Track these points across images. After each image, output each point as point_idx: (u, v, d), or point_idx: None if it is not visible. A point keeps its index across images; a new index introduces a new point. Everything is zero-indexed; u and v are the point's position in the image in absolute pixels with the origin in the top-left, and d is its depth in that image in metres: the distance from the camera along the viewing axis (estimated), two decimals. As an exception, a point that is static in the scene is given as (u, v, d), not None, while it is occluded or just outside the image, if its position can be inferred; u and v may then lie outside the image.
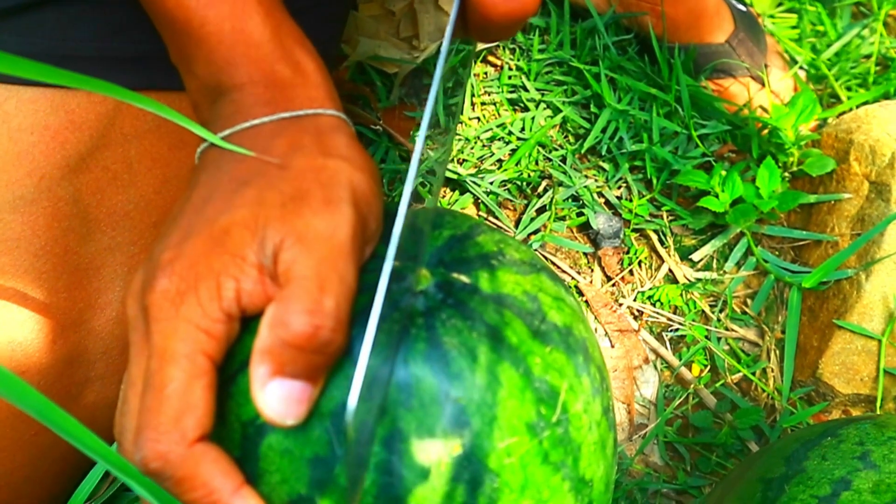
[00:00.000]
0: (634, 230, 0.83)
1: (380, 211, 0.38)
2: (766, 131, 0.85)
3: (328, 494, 0.33)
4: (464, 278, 0.37)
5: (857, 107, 0.87)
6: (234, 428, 0.35)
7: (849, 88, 0.94)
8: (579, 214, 0.82)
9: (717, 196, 0.80)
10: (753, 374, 0.74)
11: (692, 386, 0.74)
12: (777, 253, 0.82)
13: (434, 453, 0.33)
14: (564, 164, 0.85)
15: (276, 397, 0.32)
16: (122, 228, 0.51)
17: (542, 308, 0.38)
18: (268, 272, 0.34)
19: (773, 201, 0.79)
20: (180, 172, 0.53)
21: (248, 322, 0.35)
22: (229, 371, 0.35)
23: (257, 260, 0.34)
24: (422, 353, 0.34)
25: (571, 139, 0.88)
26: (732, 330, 0.78)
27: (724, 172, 0.80)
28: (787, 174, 0.85)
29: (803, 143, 0.84)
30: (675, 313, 0.78)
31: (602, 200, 0.84)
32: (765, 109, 0.87)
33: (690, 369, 0.75)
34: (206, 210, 0.36)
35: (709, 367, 0.76)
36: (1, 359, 0.48)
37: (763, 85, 0.89)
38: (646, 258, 0.81)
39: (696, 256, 0.81)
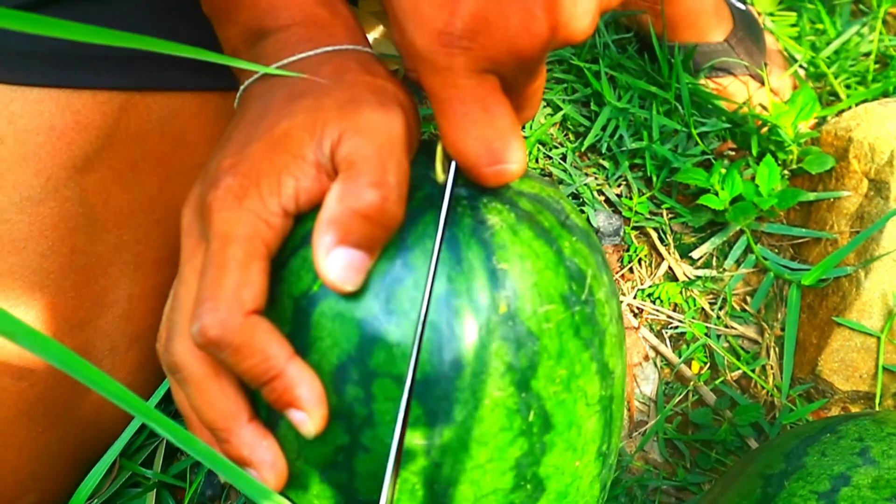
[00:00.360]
0: (634, 228, 0.83)
1: (419, 126, 0.40)
2: (765, 129, 0.85)
3: (377, 352, 0.35)
4: None
5: (857, 105, 0.88)
6: (285, 306, 0.37)
7: (848, 86, 0.94)
8: (580, 212, 0.83)
9: (716, 194, 0.80)
10: (753, 371, 0.75)
11: (692, 383, 0.74)
12: (776, 251, 0.82)
13: (483, 312, 0.36)
14: (565, 161, 0.85)
15: (339, 264, 0.34)
16: (127, 227, 0.52)
17: (565, 209, 0.41)
18: (325, 170, 0.36)
19: (773, 199, 0.79)
20: (182, 170, 0.53)
21: (299, 217, 0.38)
22: (281, 258, 0.37)
23: (315, 158, 0.36)
24: (469, 226, 0.37)
25: (571, 137, 0.88)
26: (732, 327, 0.78)
27: (723, 170, 0.81)
28: (786, 172, 0.85)
29: (803, 141, 0.84)
30: (674, 311, 0.79)
31: (602, 198, 0.84)
32: (764, 107, 0.87)
33: (690, 366, 0.76)
34: (264, 122, 0.38)
35: (708, 364, 0.76)
36: (9, 357, 0.48)
37: (762, 83, 0.89)
38: (646, 256, 0.82)
39: (695, 254, 0.82)
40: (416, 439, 0.36)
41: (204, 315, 0.34)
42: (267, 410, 0.38)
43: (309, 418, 0.35)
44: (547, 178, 0.44)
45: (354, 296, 0.36)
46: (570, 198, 0.83)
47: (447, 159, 0.38)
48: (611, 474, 0.44)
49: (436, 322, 0.35)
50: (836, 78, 0.93)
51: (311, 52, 0.40)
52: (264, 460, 0.37)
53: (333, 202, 0.35)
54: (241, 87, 0.43)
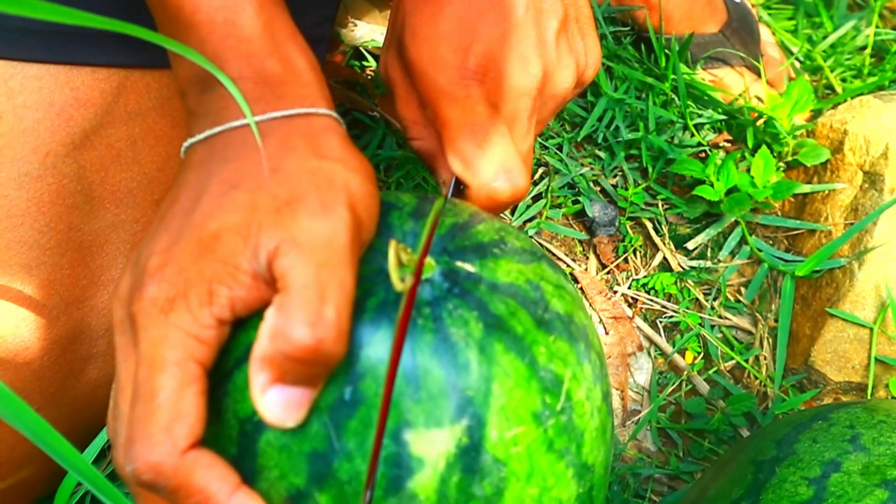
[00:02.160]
0: (630, 218, 0.83)
1: (376, 212, 0.37)
2: (761, 121, 0.85)
3: (327, 488, 0.33)
4: (468, 267, 0.37)
5: (852, 98, 0.88)
6: (231, 425, 0.35)
7: (844, 80, 0.95)
8: (575, 202, 0.83)
9: (711, 185, 0.80)
10: (746, 361, 0.75)
11: (685, 373, 0.74)
12: (771, 242, 0.82)
13: (442, 444, 0.33)
14: (561, 151, 0.85)
15: (276, 403, 0.32)
16: (125, 206, 0.51)
17: (544, 297, 0.38)
18: (262, 279, 0.34)
19: (768, 190, 0.79)
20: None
21: (241, 319, 0.35)
22: (224, 369, 0.35)
23: (251, 268, 0.33)
24: (429, 345, 0.34)
25: (568, 127, 0.88)
26: (726, 318, 0.78)
27: (719, 161, 0.81)
28: (781, 164, 0.85)
29: (798, 133, 0.84)
30: (669, 301, 0.79)
31: (598, 189, 0.85)
32: (760, 99, 0.87)
33: (684, 356, 0.76)
34: (195, 214, 0.35)
35: (702, 354, 0.76)
36: (4, 335, 0.48)
37: (758, 75, 0.89)
38: (640, 246, 0.82)
39: (690, 245, 0.82)
40: None
41: (136, 458, 0.32)
42: None
43: None
44: (530, 245, 0.41)
45: (301, 427, 0.33)
46: (566, 187, 0.83)
47: (401, 262, 0.35)
48: None
49: (389, 454, 0.33)
50: (832, 71, 0.94)
51: (255, 119, 0.37)
52: None
53: (266, 339, 0.32)
54: (185, 145, 0.40)
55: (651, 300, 0.79)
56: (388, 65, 0.49)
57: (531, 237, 0.81)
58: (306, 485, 0.33)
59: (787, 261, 0.80)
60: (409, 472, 0.33)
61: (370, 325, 0.34)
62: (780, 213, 0.85)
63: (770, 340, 0.77)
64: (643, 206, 0.83)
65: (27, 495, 0.55)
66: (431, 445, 0.33)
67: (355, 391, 0.33)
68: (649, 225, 0.83)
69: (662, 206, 0.84)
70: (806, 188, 0.82)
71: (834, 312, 0.73)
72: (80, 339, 0.52)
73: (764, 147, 0.81)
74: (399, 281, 0.33)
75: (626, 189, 0.84)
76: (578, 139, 0.86)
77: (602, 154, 0.86)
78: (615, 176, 0.86)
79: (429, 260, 0.37)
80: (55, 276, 0.49)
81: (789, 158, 0.85)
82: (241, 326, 0.35)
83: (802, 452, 0.50)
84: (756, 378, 0.75)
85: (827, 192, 0.81)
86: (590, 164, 0.86)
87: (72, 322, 0.51)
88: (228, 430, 0.35)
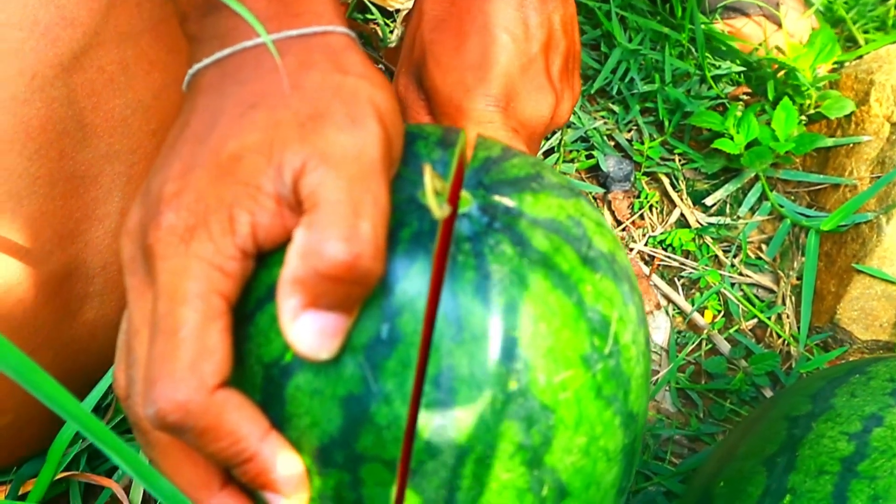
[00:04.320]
0: (645, 174, 0.80)
1: (402, 132, 0.35)
2: (782, 73, 0.81)
3: (364, 435, 0.30)
4: (507, 201, 0.34)
5: (877, 49, 0.84)
6: (254, 371, 0.32)
7: (866, 32, 0.91)
8: (589, 157, 0.80)
9: (731, 138, 0.77)
10: (769, 319, 0.72)
11: (705, 332, 0.71)
12: (792, 198, 0.79)
13: (487, 389, 0.31)
14: (573, 105, 0.82)
15: (309, 330, 0.29)
16: (119, 135, 0.48)
17: (587, 234, 0.35)
18: (286, 202, 0.31)
19: (790, 144, 0.76)
20: (178, 77, 0.49)
21: (262, 257, 0.32)
22: (245, 310, 0.32)
23: (274, 189, 0.30)
24: (471, 283, 0.31)
25: (581, 80, 0.84)
26: (747, 276, 0.75)
27: (738, 114, 0.77)
28: (803, 117, 0.82)
29: (821, 85, 0.81)
30: (687, 258, 0.76)
31: (612, 143, 0.81)
32: (780, 50, 0.84)
33: (703, 315, 0.73)
34: (211, 138, 0.32)
35: (722, 312, 0.73)
36: None
37: (779, 25, 0.85)
38: (657, 202, 0.79)
39: (708, 201, 0.79)
40: None
41: (159, 398, 0.29)
42: None
43: (287, 502, 0.31)
44: (566, 180, 0.38)
45: (334, 369, 0.30)
46: (579, 141, 0.80)
47: (438, 187, 0.32)
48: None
49: (432, 402, 0.30)
50: (854, 24, 0.90)
51: (271, 37, 0.34)
52: None
53: (296, 259, 0.29)
54: (189, 72, 0.37)
55: (668, 257, 0.76)
56: (404, 87, 0.51)
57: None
58: (340, 432, 0.30)
59: (809, 216, 0.77)
60: (452, 420, 0.30)
61: (405, 257, 0.31)
62: (801, 168, 0.81)
63: (793, 298, 0.74)
64: (659, 161, 0.80)
65: (15, 452, 0.52)
66: (476, 391, 0.31)
67: (392, 329, 0.30)
68: (666, 180, 0.80)
69: (679, 160, 0.81)
70: (829, 142, 0.78)
71: (861, 268, 0.69)
72: (75, 276, 0.49)
73: (786, 98, 0.78)
74: (438, 207, 0.30)
75: (642, 143, 0.80)
76: (592, 92, 0.83)
77: (616, 107, 0.83)
78: (630, 130, 0.82)
79: (464, 194, 0.34)
80: (47, 208, 0.46)
81: (811, 111, 0.81)
82: (262, 265, 0.32)
83: (840, 407, 0.47)
84: (779, 336, 0.72)
85: (851, 145, 0.78)
86: (603, 117, 0.82)
87: (66, 258, 0.48)
88: (251, 376, 0.32)
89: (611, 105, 0.83)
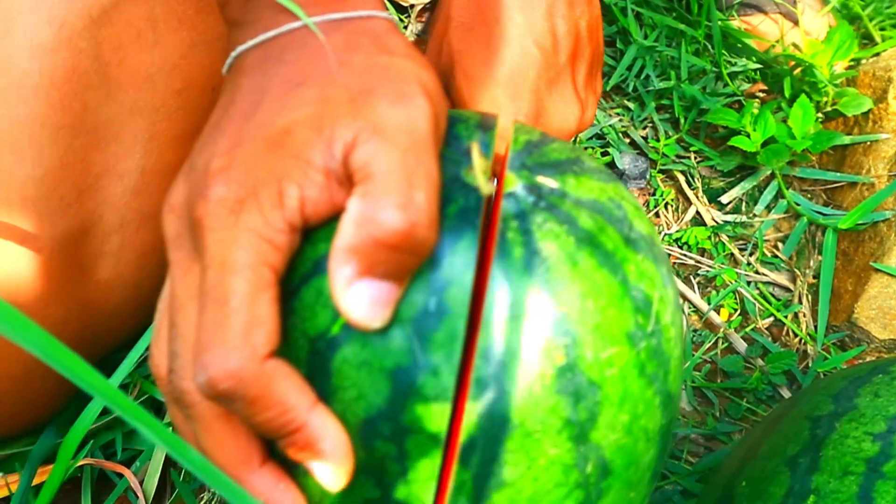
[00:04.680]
0: (661, 171, 0.79)
1: (447, 110, 0.35)
2: (798, 70, 0.81)
3: (412, 408, 0.30)
4: (550, 182, 0.34)
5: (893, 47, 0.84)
6: (299, 345, 0.32)
7: (883, 29, 0.90)
8: (604, 154, 0.79)
9: (748, 136, 0.77)
10: (785, 318, 0.72)
11: (721, 330, 0.71)
12: (809, 196, 0.79)
13: (537, 364, 0.31)
14: (588, 102, 0.81)
15: (362, 299, 0.29)
16: (144, 91, 0.48)
17: (628, 216, 0.35)
18: (335, 177, 0.31)
19: (807, 141, 0.76)
20: (207, 38, 0.49)
21: (307, 233, 0.32)
22: (290, 286, 0.32)
23: (324, 163, 0.31)
24: (520, 260, 0.32)
25: (595, 77, 0.84)
26: (763, 274, 0.75)
27: (755, 111, 0.77)
28: (819, 115, 0.81)
29: (838, 82, 0.80)
30: (702, 256, 0.76)
31: (627, 140, 0.81)
32: (797, 47, 0.83)
33: (719, 313, 0.73)
34: (258, 114, 0.32)
35: (738, 311, 0.73)
36: (16, 220, 0.45)
37: (795, 23, 0.85)
38: (672, 200, 0.78)
39: (724, 199, 0.78)
40: (459, 502, 0.32)
41: (211, 364, 0.29)
42: None
43: (332, 474, 0.31)
44: (603, 166, 0.39)
45: (382, 341, 0.31)
46: (595, 138, 0.80)
47: (484, 163, 0.32)
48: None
49: (481, 376, 0.31)
50: (870, 21, 0.89)
51: (317, 19, 0.34)
52: None
53: (351, 227, 0.29)
54: (232, 55, 0.37)
55: (684, 255, 0.75)
56: None
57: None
58: (387, 404, 0.31)
59: (826, 215, 0.76)
60: (502, 394, 0.31)
61: (452, 232, 0.31)
62: (817, 166, 0.81)
63: (809, 297, 0.73)
64: (675, 159, 0.80)
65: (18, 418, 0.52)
66: (526, 366, 0.31)
67: (441, 301, 0.30)
68: (681, 178, 0.79)
69: (695, 158, 0.80)
70: (846, 139, 0.78)
71: (879, 267, 0.69)
72: (91, 232, 0.48)
73: (803, 95, 0.77)
74: (485, 183, 0.30)
75: (657, 140, 0.80)
76: (607, 89, 0.82)
77: (631, 105, 0.82)
78: (645, 127, 0.82)
79: (509, 174, 0.34)
80: (68, 159, 0.46)
81: (828, 109, 0.81)
82: (307, 241, 0.32)
83: (864, 407, 0.47)
84: (796, 335, 0.71)
85: (869, 143, 0.77)
86: (619, 114, 0.82)
87: (83, 213, 0.47)
88: (296, 350, 0.32)
89: (626, 102, 0.83)
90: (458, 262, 0.31)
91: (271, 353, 0.30)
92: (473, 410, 0.31)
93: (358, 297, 0.29)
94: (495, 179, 0.36)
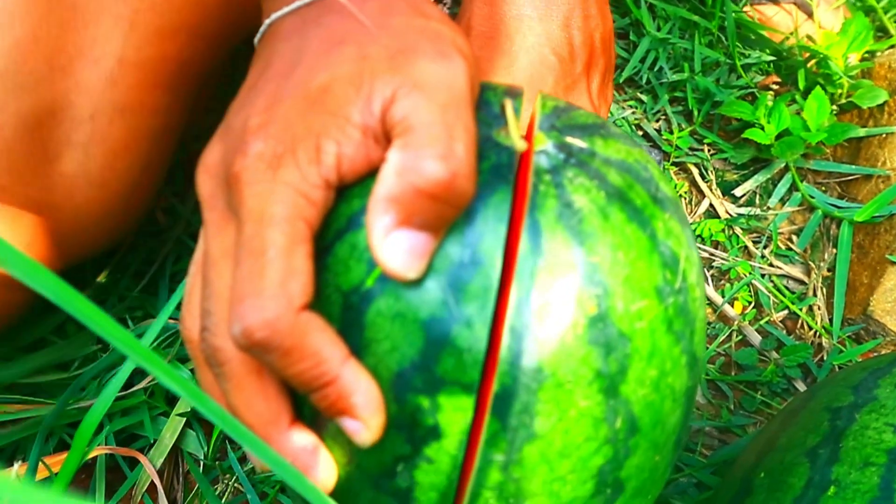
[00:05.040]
0: (674, 164, 0.79)
1: (479, 74, 0.36)
2: (813, 62, 0.80)
3: (445, 358, 0.30)
4: (579, 142, 0.35)
5: (909, 38, 0.83)
6: (332, 300, 0.32)
7: (897, 21, 0.90)
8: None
9: (762, 128, 0.76)
10: (800, 310, 0.71)
11: (735, 323, 0.71)
12: (823, 189, 0.78)
13: (569, 314, 0.31)
14: (601, 94, 0.81)
15: (400, 248, 0.29)
16: None
17: (654, 178, 0.36)
18: (373, 134, 0.31)
19: (822, 134, 0.75)
20: None
21: (341, 190, 0.33)
22: (324, 242, 0.33)
23: (362, 119, 0.31)
24: (553, 211, 0.32)
25: (608, 69, 0.84)
26: (777, 267, 0.74)
27: (769, 103, 0.76)
28: (834, 107, 0.81)
29: (854, 74, 0.80)
30: (716, 249, 0.75)
31: (640, 133, 0.80)
32: (812, 39, 0.83)
33: (733, 306, 0.72)
34: (297, 72, 0.32)
35: (752, 303, 0.72)
36: None
37: (809, 14, 0.84)
38: (686, 192, 0.78)
39: (738, 192, 0.78)
40: (491, 455, 0.32)
41: (247, 314, 0.29)
42: (313, 407, 0.34)
43: (364, 428, 0.31)
44: (628, 136, 0.39)
45: (416, 292, 0.31)
46: (608, 131, 0.79)
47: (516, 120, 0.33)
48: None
49: (515, 326, 0.31)
50: (885, 13, 0.89)
51: None
52: (309, 465, 0.33)
53: (392, 176, 0.29)
54: (266, 21, 0.37)
55: (698, 248, 0.75)
56: None
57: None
58: (420, 355, 0.31)
59: (840, 207, 0.76)
60: (535, 344, 0.31)
61: (486, 187, 0.32)
62: (832, 159, 0.80)
63: (824, 290, 0.73)
64: (688, 151, 0.79)
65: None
66: (559, 316, 0.31)
67: (474, 253, 0.31)
68: (695, 170, 0.79)
69: (708, 150, 0.80)
70: (861, 132, 0.77)
71: (895, 260, 0.69)
72: (60, 117, 0.47)
73: (818, 87, 0.77)
74: (519, 138, 0.31)
75: (671, 133, 0.79)
76: (620, 81, 0.82)
77: (644, 97, 0.82)
78: (658, 120, 0.82)
79: (539, 133, 0.35)
80: (41, 33, 0.44)
81: (843, 101, 0.80)
82: (341, 198, 0.33)
83: (884, 398, 0.46)
84: (811, 328, 0.71)
85: (884, 135, 0.77)
86: (632, 107, 0.81)
87: (53, 93, 0.46)
88: (329, 306, 0.32)
89: (639, 94, 0.82)
90: (492, 216, 0.31)
91: (306, 304, 0.30)
92: (506, 360, 0.31)
93: (396, 247, 0.30)
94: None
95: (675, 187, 0.77)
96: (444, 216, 0.30)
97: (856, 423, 0.46)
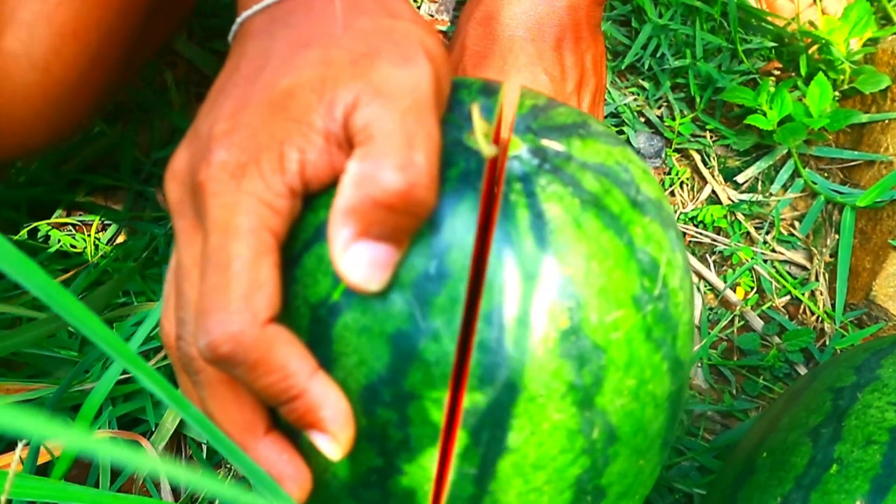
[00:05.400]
0: (676, 150, 0.79)
1: (450, 75, 0.34)
2: (815, 47, 0.80)
3: (412, 372, 0.30)
4: (556, 145, 0.34)
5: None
6: (300, 313, 0.32)
7: (900, 8, 0.89)
8: (619, 133, 0.79)
9: (764, 114, 0.76)
10: (803, 294, 0.71)
11: (738, 308, 0.71)
12: (825, 175, 0.78)
13: (541, 327, 0.30)
14: (603, 80, 0.81)
15: (361, 261, 0.29)
16: None
17: (635, 179, 0.35)
18: (336, 140, 0.30)
19: (824, 119, 0.75)
20: None
21: (308, 200, 0.32)
22: (292, 253, 0.32)
23: (324, 126, 0.30)
24: (524, 222, 0.31)
25: (610, 56, 0.83)
26: (779, 252, 0.74)
27: (771, 89, 0.76)
28: (836, 93, 0.80)
29: (856, 59, 0.80)
30: (718, 235, 0.75)
31: (642, 119, 0.80)
32: (813, 25, 0.83)
33: (735, 292, 0.72)
34: (262, 77, 0.32)
35: (755, 289, 0.72)
36: None
37: (813, 0, 0.84)
38: (688, 179, 0.78)
39: (740, 178, 0.78)
40: (465, 469, 0.31)
41: (213, 328, 0.29)
42: None
43: (334, 442, 0.31)
44: (612, 131, 0.38)
45: (382, 305, 0.30)
46: (609, 118, 0.79)
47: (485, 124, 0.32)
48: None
49: (485, 340, 0.30)
50: (889, 1, 0.88)
51: None
52: (284, 474, 0.32)
53: (350, 188, 0.29)
54: (238, 20, 0.36)
55: (700, 233, 0.75)
56: None
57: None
58: (388, 369, 0.30)
59: (843, 193, 0.75)
60: (504, 359, 0.30)
61: (453, 195, 0.31)
62: (834, 145, 0.80)
63: (826, 275, 0.73)
64: (690, 138, 0.79)
65: None
66: (529, 329, 0.30)
67: (441, 265, 0.30)
68: (697, 157, 0.79)
69: (710, 137, 0.80)
70: (864, 117, 0.77)
71: (897, 244, 0.68)
72: None
73: (820, 73, 0.77)
74: (486, 145, 0.30)
75: (673, 119, 0.79)
76: (622, 68, 0.82)
77: (646, 84, 0.82)
78: (660, 106, 0.81)
79: (514, 137, 0.34)
80: None
81: (845, 87, 0.80)
82: (309, 207, 0.32)
83: (887, 378, 0.46)
84: (813, 313, 0.71)
85: (887, 121, 0.76)
86: (633, 94, 0.81)
87: None
88: (298, 319, 0.32)
89: (641, 81, 0.82)
90: (459, 226, 0.30)
91: (272, 318, 0.30)
92: (476, 375, 0.30)
93: (356, 259, 0.29)
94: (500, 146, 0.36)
95: (677, 173, 0.77)
96: (404, 227, 0.29)
97: (858, 403, 0.46)
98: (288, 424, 0.33)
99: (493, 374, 0.30)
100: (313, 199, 0.32)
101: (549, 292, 0.30)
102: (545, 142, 0.34)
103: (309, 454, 0.33)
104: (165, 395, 0.21)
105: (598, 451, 0.33)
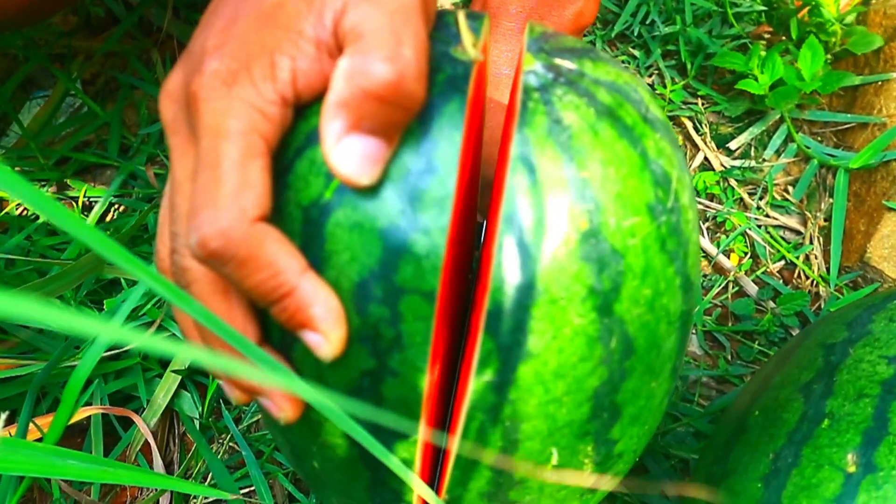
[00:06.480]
0: (668, 118, 0.78)
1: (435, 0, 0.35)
2: (805, 10, 0.79)
3: (403, 266, 0.31)
4: (568, 64, 0.35)
5: (904, -15, 0.82)
6: (293, 217, 0.32)
7: (892, -30, 0.88)
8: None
9: (755, 79, 0.75)
10: (797, 258, 0.71)
11: (732, 274, 0.70)
12: (819, 139, 0.78)
13: (562, 229, 0.31)
14: (592, 49, 0.80)
15: (352, 154, 0.30)
16: None
17: (644, 100, 0.35)
18: (327, 47, 0.31)
19: (816, 82, 0.74)
20: None
21: (300, 109, 0.33)
22: (284, 161, 0.33)
23: (315, 33, 0.31)
24: (542, 126, 0.32)
25: (600, 25, 0.83)
26: (773, 217, 0.74)
27: (762, 53, 0.76)
28: (828, 56, 0.80)
29: (847, 20, 0.79)
30: (711, 202, 0.74)
31: (633, 87, 0.80)
32: (805, -11, 0.82)
33: (729, 258, 0.72)
34: None
35: (749, 254, 0.72)
36: None
37: (803, -36, 0.83)
38: (680, 146, 0.77)
39: (732, 145, 0.77)
40: (486, 376, 0.32)
41: (202, 225, 0.29)
42: (281, 330, 0.34)
43: (325, 341, 0.31)
44: (618, 61, 0.38)
45: (373, 202, 0.31)
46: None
47: (472, 31, 0.32)
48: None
49: (507, 242, 0.30)
50: (879, -39, 0.88)
51: None
52: (275, 389, 0.33)
53: (341, 81, 0.29)
54: None
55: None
56: None
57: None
58: (379, 264, 0.31)
59: (836, 157, 0.75)
60: (527, 259, 0.30)
61: (440, 97, 0.32)
62: (827, 109, 0.79)
63: (820, 239, 0.72)
64: (682, 105, 0.78)
65: None
66: (550, 230, 0.31)
67: (430, 161, 0.31)
68: (689, 124, 0.78)
69: (702, 104, 0.79)
70: (857, 80, 0.76)
71: (892, 206, 0.68)
72: None
73: (811, 36, 0.76)
74: (472, 47, 0.30)
75: (664, 87, 0.79)
76: (612, 37, 0.81)
77: (637, 52, 0.81)
78: (651, 75, 0.81)
79: (527, 55, 0.34)
80: None
81: (837, 49, 0.79)
82: (301, 116, 0.32)
83: (879, 332, 0.46)
84: (808, 277, 0.70)
85: (880, 83, 0.76)
86: (624, 62, 0.81)
87: None
88: (290, 224, 0.32)
89: (631, 49, 0.81)
90: (447, 124, 0.31)
91: (262, 216, 0.30)
92: (498, 277, 0.30)
93: (348, 152, 0.30)
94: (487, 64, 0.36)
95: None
96: (395, 120, 0.30)
97: (850, 357, 0.45)
98: (280, 339, 0.33)
99: (515, 276, 0.31)
100: (305, 108, 0.32)
101: (569, 195, 0.31)
102: (558, 60, 0.34)
103: (301, 367, 0.33)
104: (172, 294, 0.21)
105: (615, 362, 0.33)
